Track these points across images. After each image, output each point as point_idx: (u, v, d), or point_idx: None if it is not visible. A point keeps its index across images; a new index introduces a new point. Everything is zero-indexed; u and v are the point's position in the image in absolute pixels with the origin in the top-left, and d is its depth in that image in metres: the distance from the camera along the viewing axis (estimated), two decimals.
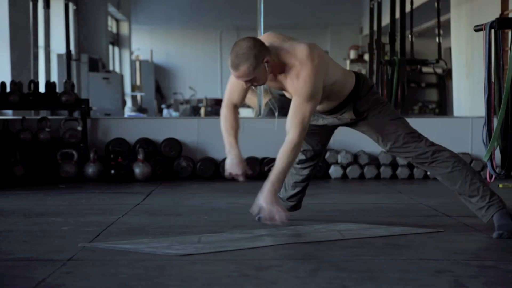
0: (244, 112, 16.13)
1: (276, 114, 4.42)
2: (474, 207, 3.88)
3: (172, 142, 7.67)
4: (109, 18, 15.43)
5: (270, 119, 7.61)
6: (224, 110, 3.93)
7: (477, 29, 4.47)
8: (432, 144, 3.94)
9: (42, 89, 8.02)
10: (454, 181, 3.88)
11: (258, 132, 7.54)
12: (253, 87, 3.78)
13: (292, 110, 3.70)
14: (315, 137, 4.13)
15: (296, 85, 3.67)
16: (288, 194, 4.33)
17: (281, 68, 3.71)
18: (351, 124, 4.05)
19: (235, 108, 3.95)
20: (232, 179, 4.03)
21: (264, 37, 3.83)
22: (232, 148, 3.90)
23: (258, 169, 7.39)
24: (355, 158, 7.65)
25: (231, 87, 3.92)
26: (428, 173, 7.56)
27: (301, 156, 4.19)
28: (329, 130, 4.15)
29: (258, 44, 3.65)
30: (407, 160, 4.01)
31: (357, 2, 17.39)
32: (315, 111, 3.93)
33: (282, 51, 3.72)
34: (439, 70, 13.15)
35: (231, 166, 3.88)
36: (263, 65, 3.63)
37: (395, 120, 3.96)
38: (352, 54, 17.32)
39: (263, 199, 3.66)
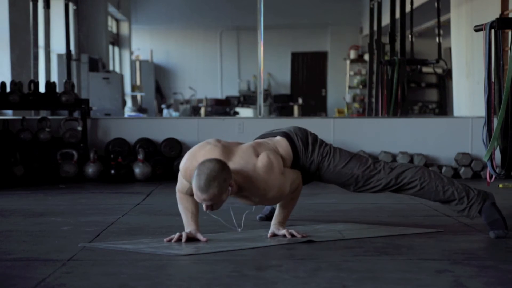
0: (244, 112, 16.14)
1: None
2: (456, 209, 3.90)
3: (172, 142, 7.67)
4: (109, 18, 15.43)
5: (270, 119, 7.61)
6: (180, 196, 3.76)
7: (477, 29, 4.47)
8: (391, 169, 3.89)
9: (42, 89, 8.02)
10: (427, 196, 3.90)
11: (258, 132, 7.51)
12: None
13: (275, 198, 3.65)
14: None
15: (261, 185, 3.55)
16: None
17: (239, 184, 3.56)
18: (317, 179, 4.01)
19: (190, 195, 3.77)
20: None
21: (210, 151, 3.62)
22: (190, 225, 3.71)
23: None
24: None
25: (183, 183, 3.72)
26: None
27: None
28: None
29: (226, 168, 3.45)
30: (376, 193, 3.98)
31: (357, 2, 17.39)
32: None
33: (239, 169, 3.56)
34: (439, 70, 13.16)
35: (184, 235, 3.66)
36: (228, 190, 3.47)
37: (346, 164, 3.89)
38: (352, 54, 17.31)
39: (284, 231, 3.73)
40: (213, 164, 3.41)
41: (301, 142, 3.86)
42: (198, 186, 3.39)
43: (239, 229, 3.99)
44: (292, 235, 3.69)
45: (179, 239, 3.61)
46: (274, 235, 3.75)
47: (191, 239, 3.63)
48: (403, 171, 3.89)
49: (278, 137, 3.85)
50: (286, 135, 3.86)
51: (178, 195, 3.77)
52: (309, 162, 3.86)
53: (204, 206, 3.47)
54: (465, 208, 3.85)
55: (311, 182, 4.03)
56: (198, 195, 3.43)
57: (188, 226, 3.70)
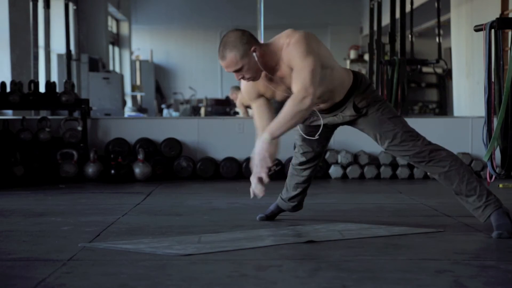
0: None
1: None
2: (471, 206, 3.87)
3: (172, 142, 7.67)
4: (109, 18, 15.43)
5: None
6: (253, 110, 3.94)
7: (477, 29, 4.46)
8: (430, 143, 3.93)
9: (42, 89, 8.02)
10: (451, 181, 3.87)
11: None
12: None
13: (294, 75, 3.61)
14: (315, 139, 4.12)
15: (290, 51, 3.61)
16: (289, 195, 4.33)
17: (274, 58, 3.66)
18: (350, 122, 4.03)
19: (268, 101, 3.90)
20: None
21: None
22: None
23: None
24: (355, 158, 7.65)
25: (256, 114, 3.90)
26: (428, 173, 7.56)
27: (302, 158, 4.19)
28: (329, 130, 4.14)
29: (246, 34, 3.65)
30: (404, 159, 3.99)
31: (357, 2, 17.40)
32: (315, 111, 3.92)
33: (269, 43, 3.71)
34: (439, 70, 13.16)
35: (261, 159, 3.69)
36: (251, 54, 3.61)
37: (393, 118, 3.94)
38: (352, 54, 17.32)
39: (257, 147, 3.64)
40: (232, 32, 3.65)
41: (363, 81, 3.93)
42: (219, 56, 3.62)
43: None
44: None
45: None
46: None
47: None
48: (439, 149, 3.90)
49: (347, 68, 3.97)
50: (353, 71, 3.97)
51: (253, 111, 3.93)
52: (361, 96, 3.90)
53: (236, 76, 3.67)
54: (480, 207, 3.83)
55: (330, 138, 4.13)
56: (221, 64, 3.63)
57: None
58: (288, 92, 3.73)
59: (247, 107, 9.92)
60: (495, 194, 3.87)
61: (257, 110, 3.90)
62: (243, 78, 3.69)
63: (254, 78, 3.71)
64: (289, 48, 3.63)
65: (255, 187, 3.68)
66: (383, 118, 3.92)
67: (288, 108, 3.61)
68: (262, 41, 8.34)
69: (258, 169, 3.63)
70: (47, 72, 10.30)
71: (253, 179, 3.69)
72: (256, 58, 3.63)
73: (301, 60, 3.60)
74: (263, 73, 3.76)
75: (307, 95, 3.57)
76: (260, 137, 3.67)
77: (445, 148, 3.95)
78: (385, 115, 3.93)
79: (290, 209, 4.36)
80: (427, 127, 7.88)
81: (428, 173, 3.99)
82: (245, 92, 3.91)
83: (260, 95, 3.88)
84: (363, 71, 16.42)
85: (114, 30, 16.65)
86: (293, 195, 4.32)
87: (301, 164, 4.21)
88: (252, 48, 3.62)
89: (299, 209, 4.40)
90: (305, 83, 3.58)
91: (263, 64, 3.68)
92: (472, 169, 3.99)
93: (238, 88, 11.37)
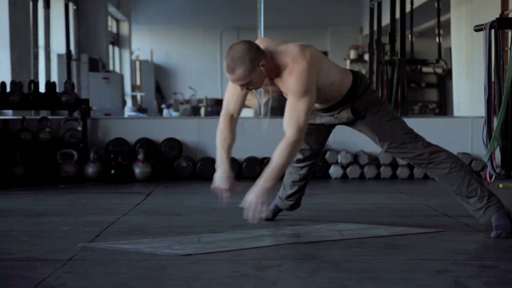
0: (244, 112, 16.15)
1: (267, 116, 4.36)
2: (472, 208, 3.87)
3: (172, 142, 7.67)
4: (109, 18, 15.43)
5: (270, 119, 7.61)
6: (221, 122, 3.90)
7: (477, 29, 4.46)
8: (430, 144, 3.92)
9: (42, 89, 8.02)
10: (451, 183, 3.87)
11: (258, 132, 7.53)
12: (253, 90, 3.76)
13: (287, 109, 3.65)
14: (313, 136, 4.11)
15: (289, 82, 3.63)
16: (286, 193, 4.33)
17: (277, 70, 3.67)
18: (348, 123, 4.04)
19: (232, 119, 3.90)
20: (218, 194, 3.92)
21: (259, 41, 3.79)
22: (223, 162, 3.87)
23: (258, 169, 7.38)
24: (355, 158, 7.65)
25: (228, 96, 3.90)
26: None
27: (299, 155, 4.18)
28: (327, 129, 4.14)
29: (253, 48, 3.61)
30: (405, 160, 3.99)
31: (357, 2, 17.39)
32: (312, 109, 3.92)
33: (276, 53, 3.68)
34: (439, 70, 13.15)
35: (219, 181, 3.85)
36: (259, 68, 3.60)
37: (393, 120, 3.94)
38: (352, 54, 17.32)
39: (253, 193, 3.60)
40: (240, 45, 3.59)
41: (362, 82, 3.92)
42: (226, 68, 3.59)
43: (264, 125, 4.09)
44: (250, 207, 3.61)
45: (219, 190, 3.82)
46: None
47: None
48: (439, 150, 3.89)
49: (347, 68, 3.96)
50: (353, 71, 3.96)
51: (219, 122, 3.89)
52: (360, 99, 3.89)
53: (240, 88, 3.66)
54: (481, 208, 3.82)
55: (329, 136, 4.16)
56: (228, 77, 3.62)
57: (220, 164, 3.85)
58: (278, 92, 3.79)
59: (249, 106, 9.93)
60: (496, 195, 3.87)
61: (232, 92, 3.86)
62: (247, 89, 3.69)
63: (257, 88, 3.75)
64: (291, 78, 3.62)
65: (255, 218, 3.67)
66: (382, 120, 3.92)
67: (282, 154, 3.60)
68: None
69: (252, 215, 3.60)
70: (47, 72, 10.29)
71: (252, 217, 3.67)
72: (263, 72, 3.62)
73: (298, 98, 3.61)
74: None
75: (299, 138, 3.62)
76: (262, 186, 3.61)
77: (445, 149, 3.95)
78: (384, 118, 3.92)
79: (287, 207, 4.36)
80: (427, 127, 7.88)
81: (429, 175, 3.97)
82: (228, 100, 3.91)
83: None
84: (363, 71, 16.43)
85: (114, 30, 16.65)
86: (290, 193, 4.32)
87: (298, 161, 4.21)
88: (261, 63, 3.60)
89: (297, 207, 4.39)
90: (299, 125, 3.61)
91: (268, 77, 3.69)
92: (472, 169, 3.98)
93: None
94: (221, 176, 3.85)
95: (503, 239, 3.68)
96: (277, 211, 4.39)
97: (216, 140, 3.91)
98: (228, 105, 3.89)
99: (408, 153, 3.90)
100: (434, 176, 3.93)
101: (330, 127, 4.14)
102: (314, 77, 3.66)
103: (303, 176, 4.26)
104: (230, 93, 3.89)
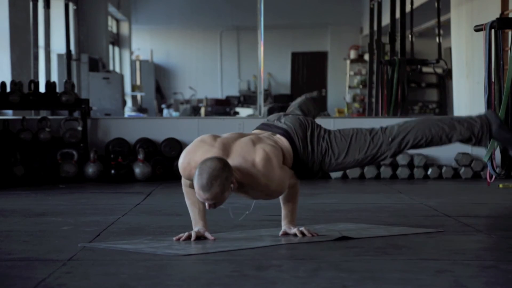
0: (244, 112, 16.15)
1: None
2: (467, 144, 3.90)
3: (172, 142, 7.67)
4: (109, 18, 15.42)
5: None
6: (184, 189, 3.78)
7: (477, 29, 4.47)
8: (392, 139, 3.78)
9: (42, 89, 8.02)
10: (435, 145, 3.84)
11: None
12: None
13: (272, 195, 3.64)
14: None
15: (267, 182, 3.53)
16: None
17: (240, 181, 3.56)
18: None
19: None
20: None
21: (207, 151, 3.60)
22: (200, 221, 3.73)
23: None
24: None
25: (185, 191, 3.80)
26: (429, 173, 7.56)
27: None
28: None
29: (227, 167, 3.45)
30: (409, 149, 3.89)
31: (357, 2, 17.38)
32: None
33: (238, 166, 3.55)
34: (439, 70, 13.14)
35: (201, 231, 3.70)
36: (230, 188, 3.48)
37: (347, 154, 3.79)
38: (352, 54, 17.32)
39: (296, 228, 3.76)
40: (215, 163, 3.42)
41: (301, 141, 3.79)
42: (200, 186, 3.40)
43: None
44: (303, 234, 3.72)
45: (188, 238, 3.63)
46: (285, 233, 3.79)
47: (199, 238, 3.65)
48: (404, 137, 3.80)
49: (278, 135, 3.81)
50: (287, 134, 3.79)
51: (184, 189, 3.78)
52: (310, 162, 3.80)
53: (206, 205, 3.48)
54: (475, 143, 3.84)
55: (317, 177, 4.00)
56: (200, 195, 3.43)
57: (196, 224, 3.72)
58: (243, 195, 3.70)
59: None
60: (476, 118, 3.81)
61: (188, 191, 3.77)
62: (214, 207, 3.50)
63: (219, 205, 3.57)
64: (262, 177, 3.53)
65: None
66: (339, 162, 3.79)
67: (297, 202, 3.81)
68: (262, 41, 8.38)
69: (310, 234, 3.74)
70: (47, 72, 10.29)
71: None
72: (231, 190, 3.50)
73: (274, 186, 3.57)
74: None
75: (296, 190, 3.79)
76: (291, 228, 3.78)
77: (406, 124, 3.83)
78: (339, 159, 3.78)
79: None
80: None
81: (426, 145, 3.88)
82: (182, 168, 3.66)
83: None
84: (363, 71, 16.44)
85: (114, 30, 16.64)
86: None
87: None
88: (232, 181, 3.47)
89: None
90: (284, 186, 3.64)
91: (234, 191, 3.58)
92: (440, 121, 3.87)
93: None
94: (202, 228, 3.71)
95: (503, 239, 3.68)
96: None
97: (186, 204, 3.80)
98: (187, 183, 3.73)
99: (383, 159, 3.84)
100: (424, 147, 3.88)
101: None
102: (278, 163, 3.63)
103: None
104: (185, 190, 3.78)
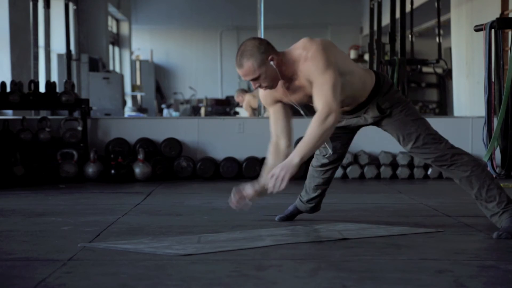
0: (244, 112, 16.14)
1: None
2: (489, 212, 3.83)
3: (172, 142, 7.67)
4: (109, 18, 15.43)
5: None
6: (270, 148, 3.90)
7: (477, 29, 4.46)
8: (452, 147, 3.89)
9: (42, 89, 8.02)
10: (471, 186, 3.85)
11: (258, 132, 7.54)
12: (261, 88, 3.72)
13: (315, 91, 3.61)
14: (338, 140, 4.07)
15: (308, 66, 3.62)
16: (309, 197, 4.30)
17: (292, 68, 3.67)
18: (374, 123, 4.01)
19: (278, 146, 3.87)
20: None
21: None
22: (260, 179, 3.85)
23: (258, 169, 7.38)
24: (355, 158, 7.65)
25: (272, 119, 3.90)
26: (429, 173, 7.56)
27: (324, 160, 4.15)
28: (352, 131, 4.10)
29: (263, 42, 3.65)
30: (427, 161, 3.92)
31: (357, 2, 17.39)
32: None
33: (288, 51, 3.71)
34: (439, 70, 13.15)
35: (247, 186, 3.80)
36: (269, 63, 3.61)
37: (417, 120, 3.90)
38: (352, 54, 17.32)
39: (280, 165, 3.59)
40: (249, 41, 3.65)
41: (385, 80, 3.90)
42: (236, 63, 3.63)
43: (330, 152, 4.04)
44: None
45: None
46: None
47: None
48: (462, 153, 3.88)
49: (368, 68, 3.93)
50: (375, 72, 3.94)
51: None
52: (385, 97, 3.86)
53: (252, 84, 3.69)
54: (498, 212, 3.80)
55: (352, 139, 4.11)
56: (239, 72, 3.64)
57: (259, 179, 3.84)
58: (307, 99, 3.74)
59: (255, 109, 9.96)
60: None
61: (274, 116, 3.89)
62: (260, 86, 3.68)
63: (271, 86, 3.71)
64: (307, 62, 3.63)
65: (239, 201, 3.70)
66: (407, 119, 3.88)
67: (314, 129, 3.59)
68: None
69: (273, 184, 3.59)
70: (47, 72, 10.29)
71: (249, 190, 3.71)
72: (274, 67, 3.62)
73: (320, 76, 3.60)
74: (281, 81, 3.73)
75: (331, 112, 3.57)
76: (290, 160, 3.59)
77: (468, 152, 3.94)
78: (409, 117, 3.89)
79: (308, 210, 4.35)
80: None
81: (450, 176, 3.94)
82: (263, 97, 3.89)
83: (277, 101, 3.86)
84: None
85: (114, 30, 16.65)
86: (313, 196, 4.29)
87: (323, 165, 4.18)
88: (270, 57, 3.62)
89: (316, 210, 4.37)
90: (328, 100, 3.58)
91: (280, 73, 3.67)
92: (492, 175, 3.95)
93: (244, 91, 11.40)
94: (252, 184, 3.81)
95: (503, 240, 3.68)
96: (296, 212, 4.37)
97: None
98: (273, 126, 3.89)
99: (431, 153, 3.86)
100: (455, 178, 3.90)
101: (355, 130, 4.10)
102: (331, 56, 3.64)
103: (326, 179, 4.23)
104: (271, 119, 3.89)
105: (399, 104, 3.91)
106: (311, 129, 3.59)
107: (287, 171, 3.56)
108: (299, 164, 3.59)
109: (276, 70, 3.64)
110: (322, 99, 3.59)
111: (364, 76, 3.85)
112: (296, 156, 3.59)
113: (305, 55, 3.65)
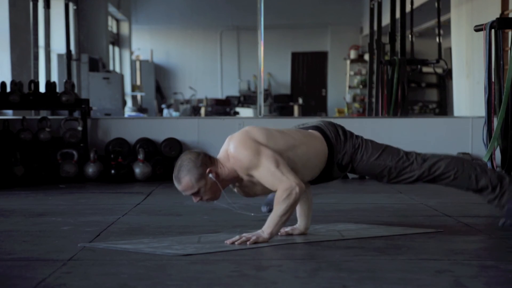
0: (244, 112, 16.15)
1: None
2: (487, 198, 3.87)
3: (172, 142, 7.67)
4: (109, 18, 15.43)
5: (270, 119, 7.61)
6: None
7: (477, 29, 4.47)
8: (424, 160, 3.84)
9: (42, 89, 8.02)
10: (461, 186, 3.86)
11: None
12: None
13: (264, 181, 3.54)
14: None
15: (240, 163, 3.53)
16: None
17: (232, 173, 3.57)
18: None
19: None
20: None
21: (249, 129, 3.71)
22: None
23: None
24: None
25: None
26: None
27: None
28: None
29: (200, 156, 3.53)
30: (410, 184, 3.92)
31: (357, 2, 17.39)
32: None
33: (219, 156, 3.61)
34: (439, 70, 13.15)
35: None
36: (208, 176, 3.51)
37: (379, 156, 3.83)
38: (352, 54, 17.32)
39: (256, 234, 3.54)
40: (184, 156, 3.56)
41: (333, 133, 3.80)
42: (174, 180, 3.55)
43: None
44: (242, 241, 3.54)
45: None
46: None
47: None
48: (436, 161, 3.84)
49: (310, 130, 3.80)
50: (317, 128, 3.80)
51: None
52: (342, 153, 3.79)
53: (193, 199, 3.59)
54: (496, 197, 3.82)
55: (345, 172, 3.96)
56: (178, 189, 3.56)
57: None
58: (267, 189, 3.63)
59: None
60: (506, 176, 3.85)
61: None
62: (201, 199, 3.57)
63: (213, 198, 3.60)
64: (236, 161, 3.54)
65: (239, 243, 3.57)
66: (371, 162, 3.82)
67: (279, 208, 3.52)
68: (262, 41, 8.38)
69: (233, 241, 3.52)
70: (47, 72, 10.29)
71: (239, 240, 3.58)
72: (213, 179, 3.53)
73: (257, 166, 3.52)
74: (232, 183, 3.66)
75: (292, 188, 3.49)
76: (262, 232, 3.55)
77: (440, 154, 3.89)
78: (371, 158, 3.81)
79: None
80: (427, 127, 7.89)
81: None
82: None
83: None
84: (363, 71, 16.43)
85: (114, 30, 16.65)
86: None
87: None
88: (208, 170, 3.51)
89: None
90: (281, 180, 3.49)
91: (223, 182, 3.58)
92: (472, 161, 3.93)
93: None
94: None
95: (503, 240, 3.68)
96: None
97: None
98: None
99: (409, 178, 3.85)
100: (443, 185, 3.91)
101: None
102: (255, 141, 3.57)
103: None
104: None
105: (357, 150, 3.82)
106: (277, 208, 3.53)
107: (257, 240, 3.52)
108: (269, 239, 3.56)
109: (216, 182, 3.54)
110: (275, 184, 3.51)
111: (309, 142, 3.72)
112: (266, 233, 3.55)
113: (232, 154, 3.56)
